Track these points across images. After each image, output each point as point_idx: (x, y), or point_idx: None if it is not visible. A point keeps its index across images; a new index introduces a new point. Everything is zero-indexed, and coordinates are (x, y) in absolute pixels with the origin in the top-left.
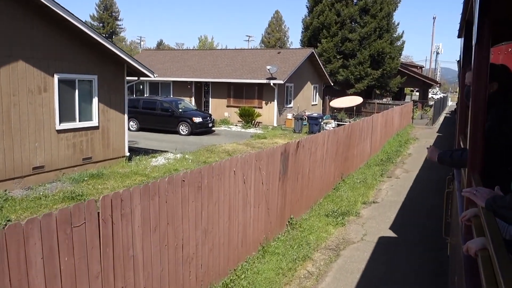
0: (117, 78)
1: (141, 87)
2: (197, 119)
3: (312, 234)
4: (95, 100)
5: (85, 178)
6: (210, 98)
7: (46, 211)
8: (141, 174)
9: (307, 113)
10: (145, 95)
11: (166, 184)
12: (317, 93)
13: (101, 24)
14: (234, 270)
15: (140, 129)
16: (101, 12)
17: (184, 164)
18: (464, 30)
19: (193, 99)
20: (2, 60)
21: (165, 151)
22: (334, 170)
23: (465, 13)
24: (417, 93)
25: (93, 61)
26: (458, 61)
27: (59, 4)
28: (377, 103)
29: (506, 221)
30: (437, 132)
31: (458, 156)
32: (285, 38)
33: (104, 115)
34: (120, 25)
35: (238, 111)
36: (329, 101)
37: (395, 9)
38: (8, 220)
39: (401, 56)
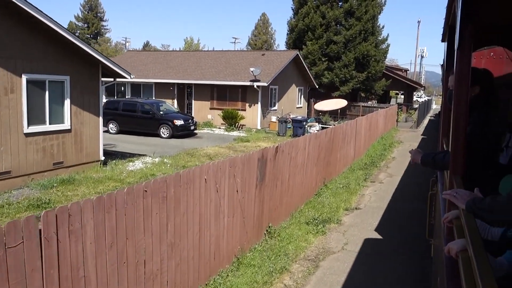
0: (92, 79)
1: (122, 88)
2: (179, 122)
3: (291, 244)
4: (67, 102)
5: (55, 184)
6: (193, 100)
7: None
8: (116, 179)
9: (291, 116)
10: (127, 97)
11: (124, 195)
12: (302, 96)
13: (86, 25)
14: (206, 285)
15: (119, 132)
16: (86, 12)
17: (162, 168)
18: (448, 34)
19: (175, 101)
20: None
21: (144, 155)
22: (316, 175)
23: (448, 18)
24: (402, 96)
25: (66, 61)
26: (442, 65)
27: (25, 0)
28: (362, 106)
29: (486, 223)
30: (421, 135)
31: (441, 159)
32: (272, 41)
33: (77, 118)
34: (105, 26)
35: (222, 114)
36: (314, 104)
37: (380, 12)
38: None
39: (386, 59)
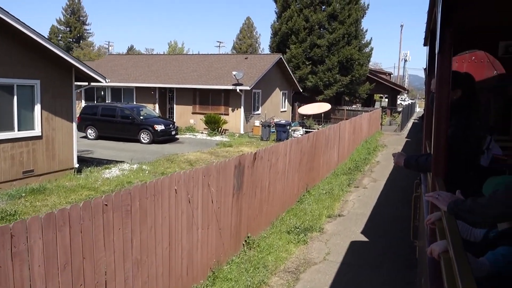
0: (64, 83)
1: (102, 93)
2: (159, 127)
3: (270, 255)
4: (37, 107)
5: (23, 194)
6: (174, 105)
7: None
8: (90, 187)
9: (275, 120)
10: (107, 102)
11: (80, 210)
12: (286, 100)
13: (68, 29)
14: None
15: (98, 137)
16: (68, 16)
17: (139, 175)
18: (429, 39)
19: (157, 105)
20: None
21: (121, 162)
22: (298, 182)
23: (429, 23)
24: (386, 100)
25: (36, 64)
26: (425, 69)
27: None
28: (347, 109)
29: (468, 224)
30: (405, 138)
31: (424, 161)
32: (257, 45)
33: (48, 124)
34: (88, 30)
35: (204, 118)
36: (298, 108)
37: (363, 16)
38: None
39: (370, 63)
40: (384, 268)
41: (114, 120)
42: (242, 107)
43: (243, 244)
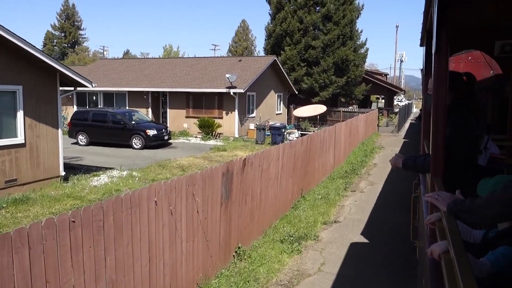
0: (48, 88)
1: (94, 98)
2: (151, 132)
3: (262, 266)
4: (20, 114)
5: (4, 205)
6: (168, 109)
7: None
8: (76, 196)
9: (270, 123)
10: (99, 107)
11: (42, 229)
12: (282, 102)
13: (63, 34)
14: None
15: (90, 143)
16: (63, 21)
17: (129, 183)
18: (426, 39)
19: (150, 110)
20: None
21: (111, 168)
22: (292, 187)
23: (425, 23)
24: (383, 101)
25: (17, 69)
26: (422, 70)
27: None
28: (343, 111)
29: (467, 224)
30: (403, 139)
31: (422, 162)
32: (252, 47)
33: (32, 131)
34: (83, 35)
35: (198, 122)
36: (293, 110)
37: (358, 16)
38: None
39: (366, 64)
40: (382, 275)
41: (106, 125)
42: (236, 110)
43: (233, 256)
